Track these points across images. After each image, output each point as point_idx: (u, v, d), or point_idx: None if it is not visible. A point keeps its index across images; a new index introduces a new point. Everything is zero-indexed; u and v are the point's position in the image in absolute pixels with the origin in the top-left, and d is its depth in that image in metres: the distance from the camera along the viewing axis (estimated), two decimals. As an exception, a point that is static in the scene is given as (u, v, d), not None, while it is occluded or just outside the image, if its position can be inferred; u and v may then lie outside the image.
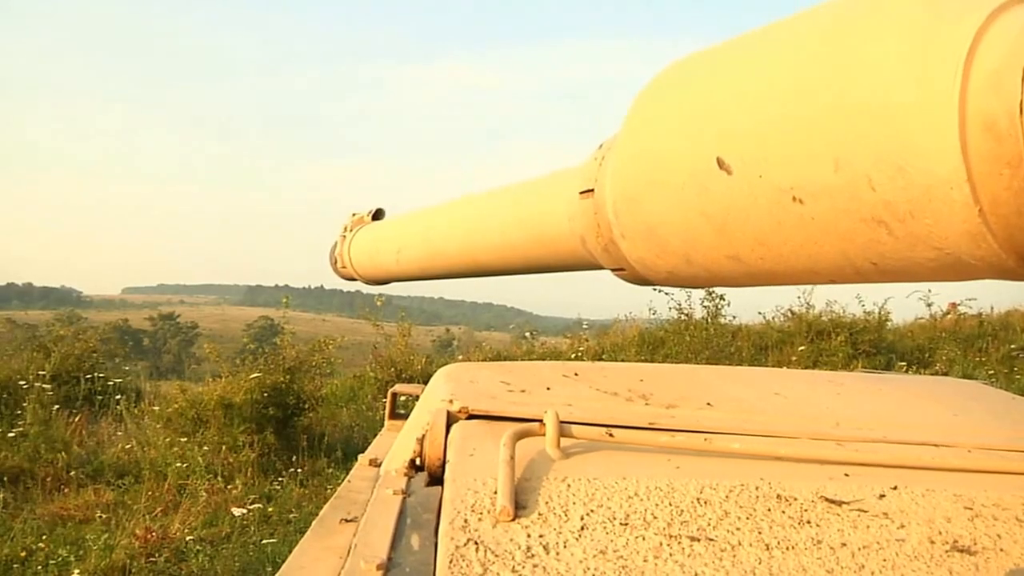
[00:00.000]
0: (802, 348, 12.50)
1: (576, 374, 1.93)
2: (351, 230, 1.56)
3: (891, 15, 0.67)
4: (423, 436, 1.39)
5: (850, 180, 0.66)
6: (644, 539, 1.04)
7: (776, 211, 0.67)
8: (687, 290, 12.82)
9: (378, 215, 1.54)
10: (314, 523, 1.39)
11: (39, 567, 5.51)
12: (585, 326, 15.19)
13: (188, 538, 5.99)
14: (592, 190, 0.75)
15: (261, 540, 6.07)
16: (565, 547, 1.01)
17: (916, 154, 0.61)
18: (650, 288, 12.25)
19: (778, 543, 1.04)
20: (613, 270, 0.80)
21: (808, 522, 1.10)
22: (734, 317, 13.44)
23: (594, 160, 0.76)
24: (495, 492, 1.11)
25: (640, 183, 0.69)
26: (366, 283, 1.62)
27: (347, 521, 1.35)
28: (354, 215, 1.60)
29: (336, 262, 1.64)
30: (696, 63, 0.69)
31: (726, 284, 0.74)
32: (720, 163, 0.64)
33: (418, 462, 1.39)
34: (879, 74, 0.67)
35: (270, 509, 6.83)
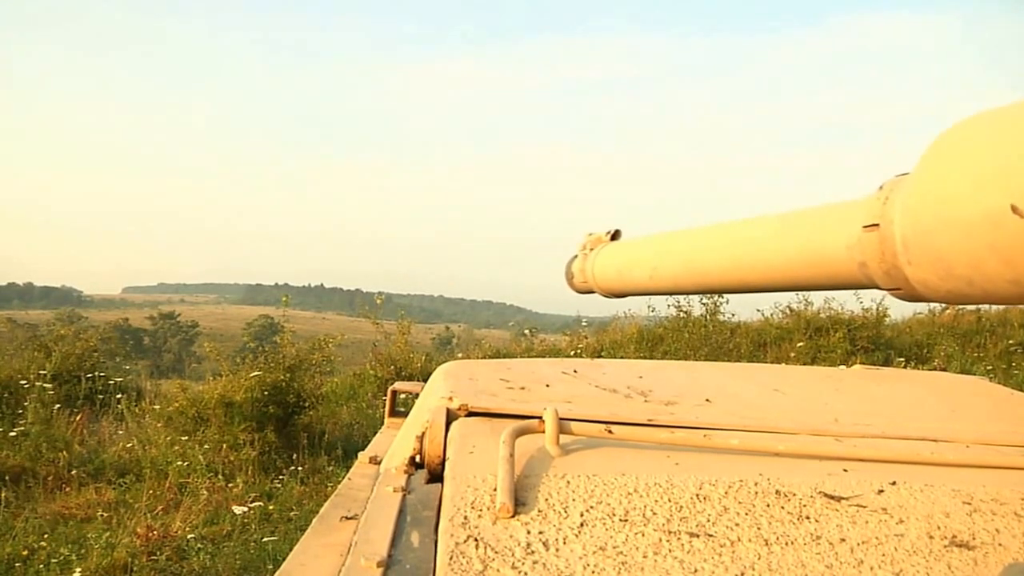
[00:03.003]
0: (801, 344, 12.51)
1: (575, 371, 1.94)
2: (591, 249, 1.69)
3: None
4: (423, 433, 1.39)
5: None
6: (643, 535, 1.04)
7: None
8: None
9: (616, 235, 1.67)
10: (315, 521, 1.39)
11: (41, 566, 5.51)
12: (584, 323, 15.19)
13: (189, 536, 5.99)
14: (877, 224, 0.89)
15: (262, 538, 6.08)
16: (565, 543, 1.02)
17: None
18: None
19: (777, 539, 1.05)
20: (889, 290, 0.91)
21: (807, 518, 1.10)
22: (732, 314, 13.48)
23: (877, 199, 0.89)
24: (495, 489, 1.11)
25: (932, 220, 0.79)
26: (604, 296, 1.74)
27: (347, 518, 1.35)
28: (590, 235, 1.73)
29: (573, 277, 1.77)
30: (987, 121, 0.78)
31: (997, 302, 0.84)
32: (1014, 209, 0.71)
33: (418, 459, 1.40)
34: None
35: (271, 507, 6.83)
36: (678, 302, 13.05)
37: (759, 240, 1.14)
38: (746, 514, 1.10)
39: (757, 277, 1.20)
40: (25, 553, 5.65)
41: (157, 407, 8.98)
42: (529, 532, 1.04)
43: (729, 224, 1.24)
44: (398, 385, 2.81)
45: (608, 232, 1.70)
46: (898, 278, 0.88)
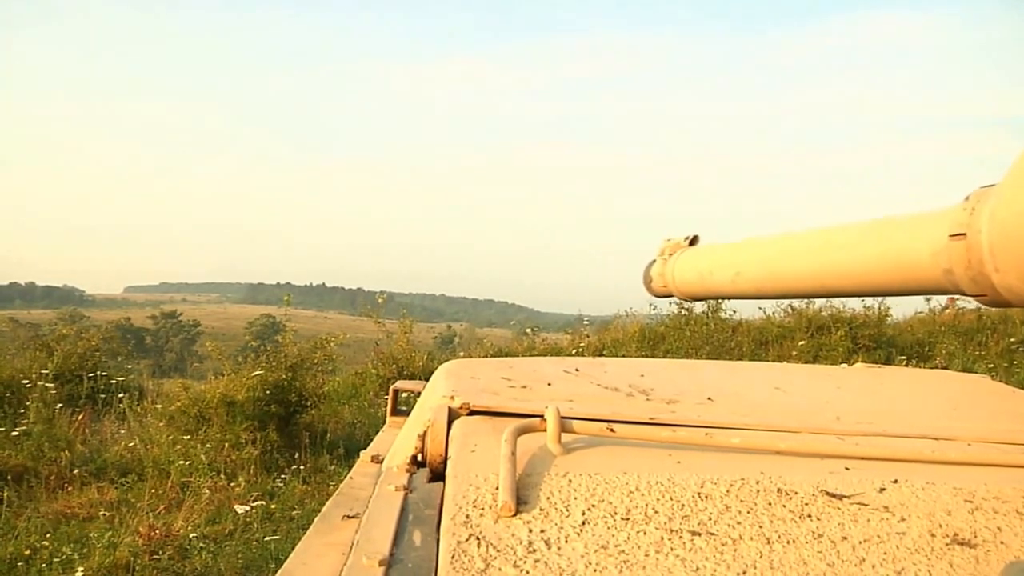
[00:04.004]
0: (802, 343, 12.51)
1: (577, 370, 1.94)
2: (670, 254, 1.73)
3: None
4: (425, 432, 1.39)
5: None
6: (645, 534, 1.04)
7: None
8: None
9: (694, 241, 1.72)
10: (316, 519, 1.39)
11: (43, 565, 5.51)
12: (586, 322, 15.20)
13: (191, 535, 5.99)
14: (964, 234, 0.93)
15: (264, 537, 6.08)
16: (567, 542, 1.02)
17: None
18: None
19: (779, 537, 1.05)
20: (975, 296, 0.99)
21: (809, 516, 1.11)
22: (734, 312, 13.48)
23: (963, 209, 0.94)
24: (496, 488, 1.11)
25: (1019, 229, 0.85)
26: (682, 299, 1.80)
27: (349, 517, 1.36)
28: (668, 240, 1.78)
29: (651, 281, 1.83)
30: None
31: None
32: None
33: (420, 458, 1.40)
34: None
35: (273, 506, 6.84)
36: (679, 301, 13.02)
37: (844, 246, 1.19)
38: (748, 512, 1.10)
39: (841, 282, 1.26)
40: (27, 552, 5.66)
41: (159, 406, 8.98)
42: (531, 531, 1.04)
43: (814, 231, 1.29)
44: (400, 384, 2.81)
45: (686, 238, 1.76)
46: (984, 285, 0.92)
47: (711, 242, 1.69)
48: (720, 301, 12.90)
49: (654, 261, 1.83)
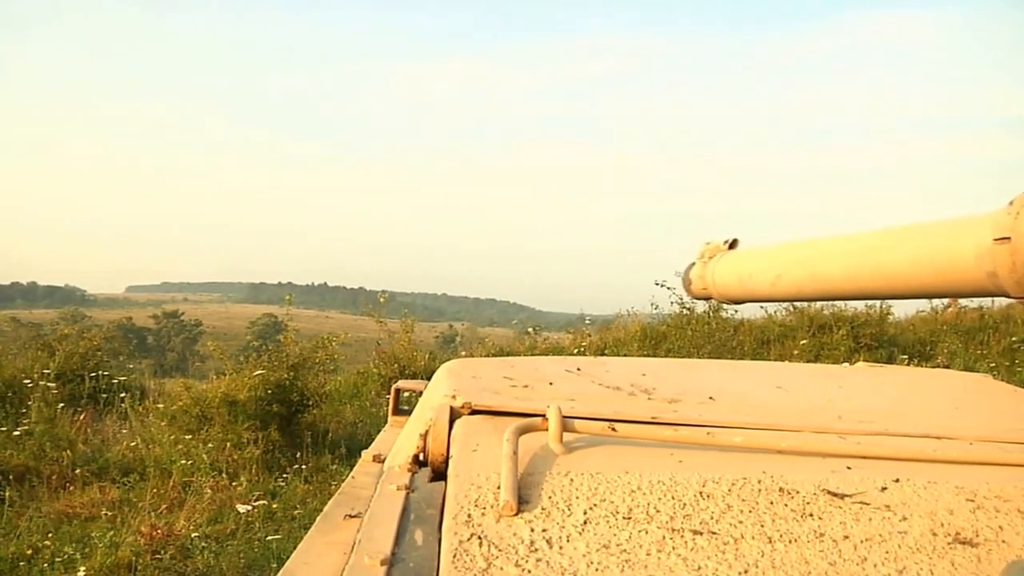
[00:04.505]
0: (804, 342, 12.50)
1: (579, 369, 1.94)
2: (709, 257, 1.77)
3: None
4: (426, 432, 1.39)
5: None
6: (647, 533, 1.04)
7: None
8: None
9: (733, 244, 1.76)
10: (318, 519, 1.40)
11: (45, 564, 5.51)
12: (587, 321, 15.22)
13: (193, 535, 6.00)
14: (1008, 237, 0.97)
15: (266, 536, 6.08)
16: (568, 541, 1.02)
17: None
18: (652, 283, 12.34)
19: (780, 536, 1.05)
20: (1019, 298, 1.04)
21: (810, 515, 1.11)
22: (736, 311, 13.46)
23: (1007, 214, 0.97)
24: (498, 487, 1.12)
25: None
26: (721, 301, 1.84)
27: (351, 517, 1.36)
28: (708, 244, 1.82)
29: (691, 283, 1.87)
30: None
31: None
32: None
33: (421, 458, 1.40)
34: None
35: (275, 505, 6.84)
36: (681, 298, 13.07)
37: (886, 249, 1.22)
38: (749, 512, 1.10)
39: (882, 284, 1.29)
40: (29, 552, 5.66)
41: (161, 406, 8.98)
42: (533, 530, 1.04)
43: (855, 234, 1.32)
44: (401, 383, 2.82)
45: (725, 241, 1.79)
46: None
47: (749, 246, 1.71)
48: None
49: (693, 264, 1.85)
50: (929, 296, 1.49)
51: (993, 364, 11.50)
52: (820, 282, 1.39)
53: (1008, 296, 1.03)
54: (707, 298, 1.86)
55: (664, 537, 1.03)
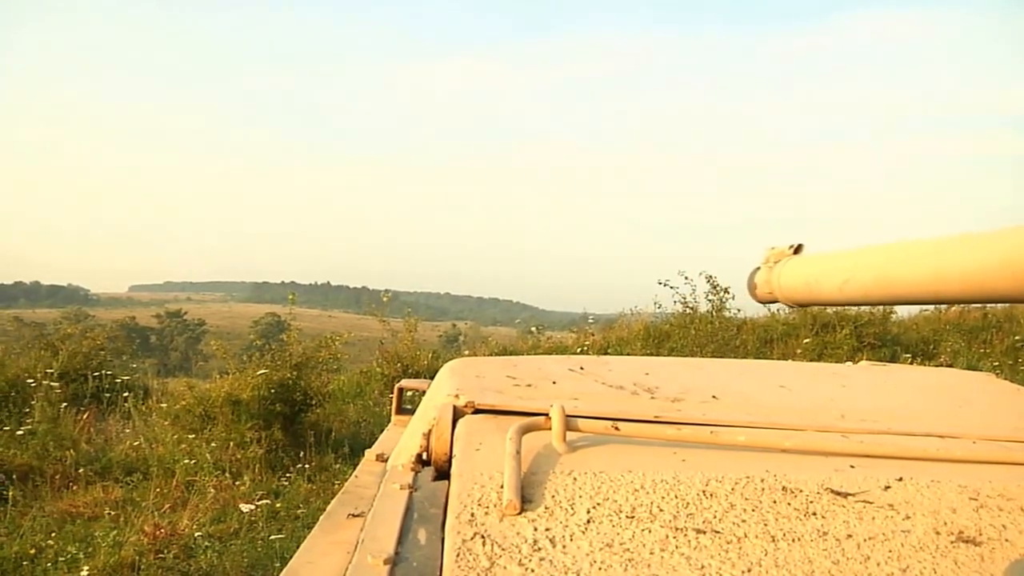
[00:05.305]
0: (807, 341, 12.49)
1: (582, 368, 1.94)
2: (775, 262, 1.82)
3: None
4: (429, 431, 1.40)
5: None
6: (650, 532, 1.04)
7: None
8: (691, 283, 12.94)
9: (798, 249, 1.80)
10: (321, 518, 1.40)
11: (48, 564, 5.52)
12: (591, 320, 15.22)
13: (196, 534, 6.00)
14: None
15: (269, 536, 6.09)
16: (572, 540, 1.02)
17: None
18: (655, 282, 12.37)
19: (784, 535, 1.05)
20: None
21: (814, 514, 1.11)
22: (739, 310, 13.47)
23: None
24: (501, 486, 1.12)
25: None
26: (787, 305, 1.88)
27: (354, 516, 1.36)
28: (773, 249, 1.86)
29: (756, 287, 1.92)
30: None
31: None
32: None
33: (425, 457, 1.40)
34: None
35: (278, 505, 6.84)
36: (684, 297, 13.08)
37: (961, 253, 1.22)
38: (753, 510, 1.10)
39: (954, 289, 1.29)
40: (33, 552, 5.67)
41: (164, 405, 8.99)
42: (536, 529, 1.04)
43: (928, 239, 1.34)
44: (405, 383, 2.82)
45: (791, 246, 1.83)
46: None
47: (815, 252, 1.74)
48: (723, 300, 12.96)
49: (758, 268, 1.89)
50: (1003, 301, 1.53)
51: (996, 363, 11.49)
52: (890, 286, 1.41)
53: None
54: (772, 301, 1.91)
55: (667, 536, 1.03)
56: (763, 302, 2.01)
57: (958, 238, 1.26)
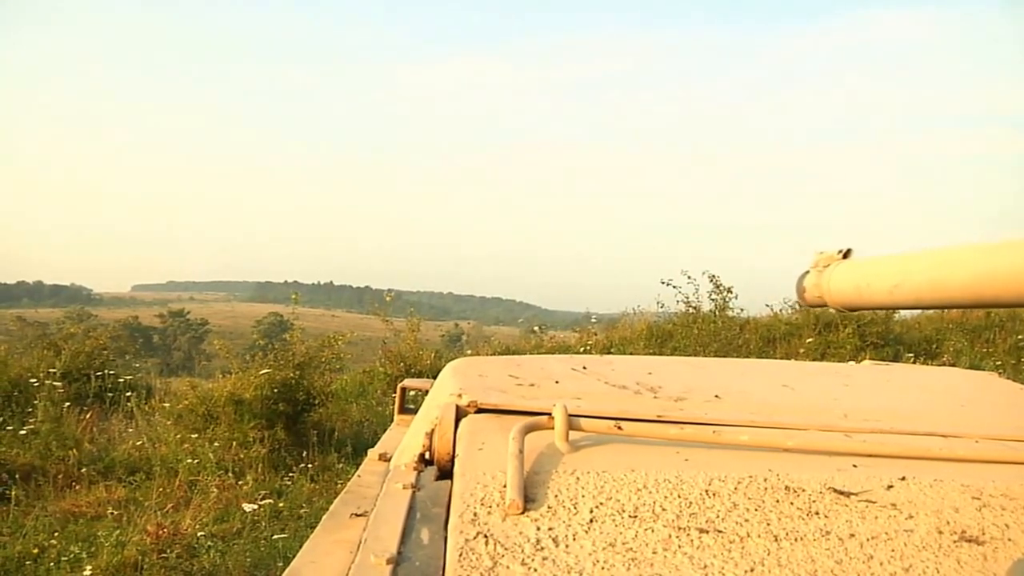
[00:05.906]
0: (810, 340, 12.49)
1: (584, 368, 1.94)
2: (824, 266, 1.84)
3: None
4: (432, 430, 1.40)
5: None
6: (653, 531, 1.04)
7: None
8: (694, 283, 12.94)
9: (847, 254, 1.82)
10: (324, 518, 1.40)
11: (51, 564, 5.53)
12: (593, 320, 15.21)
13: (199, 534, 6.01)
14: None
15: (272, 535, 6.10)
16: (574, 540, 1.02)
17: None
18: (658, 282, 12.36)
19: (787, 534, 1.05)
20: None
21: (816, 513, 1.11)
22: (742, 310, 13.48)
23: None
24: (504, 485, 1.12)
25: None
26: (835, 309, 1.90)
27: (357, 515, 1.36)
28: (821, 253, 1.89)
29: (805, 291, 1.94)
30: None
31: None
32: None
33: (427, 456, 1.40)
34: None
35: (281, 504, 6.85)
36: (687, 297, 13.08)
37: (1010, 258, 1.22)
38: (755, 510, 1.10)
39: (1005, 292, 1.30)
40: (36, 551, 5.68)
41: (167, 405, 9.00)
42: (539, 528, 1.04)
43: (977, 244, 1.35)
44: (407, 382, 2.82)
45: (839, 251, 1.85)
46: None
47: (864, 256, 1.75)
48: (726, 299, 12.96)
49: (807, 272, 1.91)
50: None
51: (999, 362, 11.48)
52: (941, 290, 1.42)
53: None
54: (821, 306, 1.92)
55: (670, 535, 1.03)
56: (812, 306, 2.03)
57: (1009, 243, 1.27)
